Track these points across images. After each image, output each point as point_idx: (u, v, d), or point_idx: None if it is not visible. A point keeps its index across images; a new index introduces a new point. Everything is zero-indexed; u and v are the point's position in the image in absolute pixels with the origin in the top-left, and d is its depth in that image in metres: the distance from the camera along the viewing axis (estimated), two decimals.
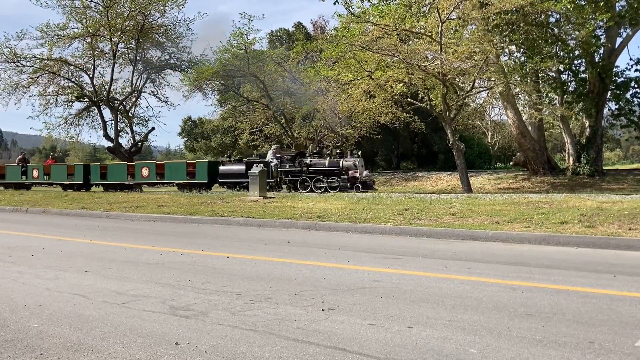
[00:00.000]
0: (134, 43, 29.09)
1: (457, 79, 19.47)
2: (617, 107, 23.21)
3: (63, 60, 28.69)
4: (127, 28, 28.33)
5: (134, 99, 31.12)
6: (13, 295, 4.88)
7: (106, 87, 29.76)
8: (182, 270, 6.09)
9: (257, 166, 17.99)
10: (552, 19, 20.17)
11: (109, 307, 4.41)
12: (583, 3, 18.20)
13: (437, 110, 19.40)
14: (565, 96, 23.04)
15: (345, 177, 17.23)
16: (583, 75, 22.20)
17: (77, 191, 22.10)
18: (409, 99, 21.58)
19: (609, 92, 22.35)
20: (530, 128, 23.61)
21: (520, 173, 24.72)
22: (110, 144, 30.29)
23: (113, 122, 29.98)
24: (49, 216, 14.97)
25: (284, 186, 18.39)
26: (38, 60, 28.30)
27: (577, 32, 18.73)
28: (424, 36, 17.89)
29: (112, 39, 28.25)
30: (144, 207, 14.69)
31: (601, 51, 21.53)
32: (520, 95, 23.90)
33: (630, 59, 68.85)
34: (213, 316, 4.10)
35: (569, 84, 23.07)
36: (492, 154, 38.61)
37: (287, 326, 3.81)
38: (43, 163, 27.31)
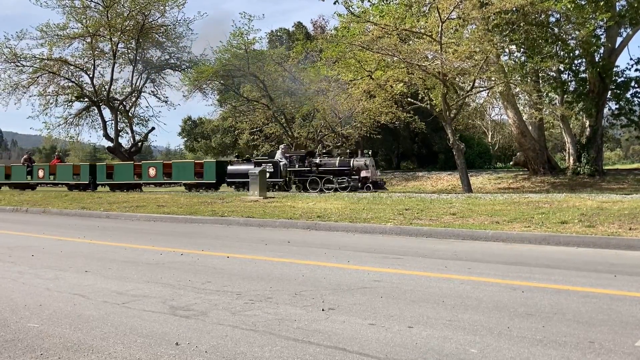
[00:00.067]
0: (134, 43, 29.10)
1: (457, 79, 19.48)
2: (617, 106, 23.24)
3: (63, 60, 28.70)
4: (127, 28, 28.33)
5: (134, 99, 31.15)
6: (13, 295, 4.88)
7: (106, 87, 29.77)
8: (182, 270, 6.09)
9: (266, 165, 17.95)
10: (552, 19, 20.19)
11: (109, 307, 4.41)
12: (583, 3, 18.20)
13: (437, 110, 19.40)
14: (565, 96, 23.05)
15: (356, 177, 17.08)
16: (583, 75, 22.22)
17: (83, 191, 21.90)
18: (409, 99, 21.59)
19: (609, 92, 22.36)
20: (530, 128, 23.61)
21: (521, 173, 24.72)
22: (110, 144, 30.30)
23: (113, 122, 30.00)
24: (49, 216, 14.97)
25: (293, 186, 18.24)
26: (38, 60, 28.32)
27: (577, 32, 18.73)
28: (424, 36, 17.89)
29: (112, 39, 28.25)
30: (144, 207, 14.69)
31: (601, 51, 21.54)
32: (520, 95, 23.90)
33: (631, 59, 69.05)
34: (213, 316, 4.10)
35: (569, 83, 23.09)
36: (492, 153, 38.62)
37: (287, 326, 3.81)
38: (48, 163, 27.07)
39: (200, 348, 3.37)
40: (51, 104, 29.85)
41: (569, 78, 23.01)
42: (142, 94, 31.56)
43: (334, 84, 23.65)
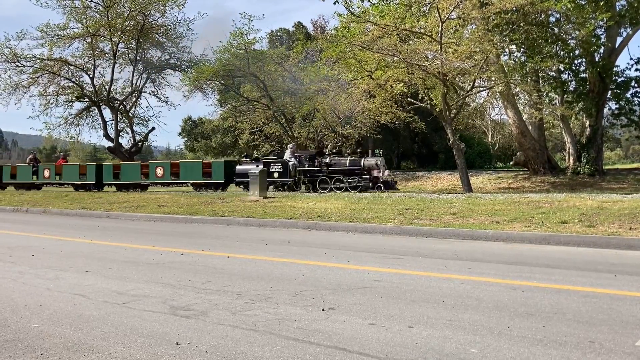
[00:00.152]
0: (134, 43, 29.10)
1: (457, 79, 19.48)
2: (617, 106, 23.24)
3: (63, 60, 28.70)
4: (128, 28, 28.33)
5: (134, 99, 31.16)
6: (14, 295, 4.88)
7: (106, 87, 29.78)
8: (183, 270, 6.09)
9: (275, 165, 17.87)
10: (552, 19, 20.19)
11: (110, 307, 4.41)
12: (583, 2, 18.20)
13: (437, 109, 19.40)
14: (565, 96, 23.05)
15: (367, 176, 16.95)
16: (583, 75, 22.22)
17: (90, 191, 21.76)
18: (409, 99, 21.58)
19: (609, 92, 22.37)
20: (530, 128, 23.61)
21: (521, 173, 24.72)
22: (111, 144, 30.31)
23: (113, 122, 30.01)
24: (50, 216, 14.97)
25: (303, 186, 18.11)
26: (38, 61, 28.33)
27: (577, 32, 18.74)
28: (424, 36, 17.89)
29: (112, 39, 28.25)
30: (144, 207, 14.69)
31: (601, 51, 21.54)
32: (520, 95, 23.90)
33: (631, 59, 69.07)
34: (213, 316, 4.10)
35: (569, 83, 23.09)
36: (492, 153, 38.63)
37: (287, 326, 3.81)
38: (52, 163, 26.90)
39: (200, 348, 3.37)
40: (51, 104, 29.90)
41: (569, 78, 23.02)
42: (143, 94, 31.62)
43: (334, 84, 23.66)
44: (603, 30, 20.95)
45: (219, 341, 3.50)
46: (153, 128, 32.31)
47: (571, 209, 9.84)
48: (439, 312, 4.14)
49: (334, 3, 18.89)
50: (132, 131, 31.41)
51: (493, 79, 18.73)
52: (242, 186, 18.92)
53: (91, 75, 29.37)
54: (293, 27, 42.03)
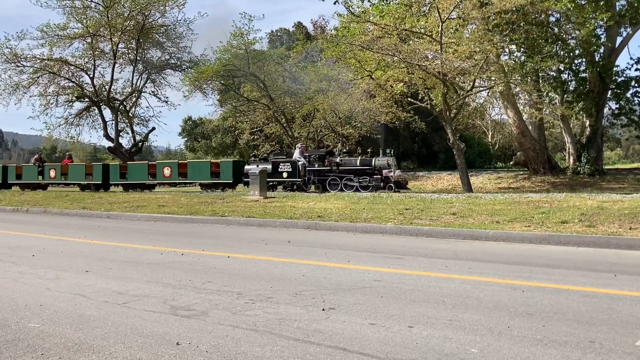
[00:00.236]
0: (134, 43, 29.10)
1: (457, 79, 19.47)
2: (617, 106, 23.24)
3: (63, 60, 28.71)
4: (128, 28, 28.33)
5: (134, 99, 31.16)
6: (14, 295, 4.88)
7: (106, 87, 29.79)
8: (183, 270, 6.09)
9: (284, 165, 17.81)
10: (552, 19, 20.19)
11: (110, 307, 4.41)
12: (583, 2, 18.21)
13: (437, 109, 19.40)
14: (565, 95, 23.05)
15: (378, 176, 16.77)
16: (583, 75, 22.22)
17: (96, 191, 21.65)
18: (409, 99, 21.59)
19: (610, 92, 22.37)
20: (530, 127, 23.61)
21: (521, 172, 24.72)
22: (111, 144, 30.32)
23: (113, 122, 30.01)
24: (50, 216, 14.98)
25: (312, 186, 17.93)
26: (38, 61, 28.34)
27: (577, 32, 18.74)
28: (424, 36, 17.89)
29: (113, 39, 28.25)
30: (144, 207, 14.69)
31: (601, 50, 21.54)
32: (520, 95, 23.89)
33: (631, 58, 69.06)
34: (214, 316, 4.10)
35: (569, 83, 23.10)
36: (492, 153, 38.65)
37: (287, 326, 3.82)
38: (58, 163, 26.73)
39: (200, 348, 3.37)
40: (51, 104, 29.90)
41: (569, 78, 23.03)
42: (143, 94, 31.60)
43: (334, 84, 23.67)
44: (603, 30, 20.97)
45: (219, 341, 3.50)
46: (153, 128, 32.34)
47: (571, 208, 9.84)
48: (439, 312, 4.14)
49: (334, 3, 18.93)
50: (132, 131, 31.44)
51: (493, 78, 18.73)
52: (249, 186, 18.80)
53: (91, 75, 29.40)
54: (293, 27, 42.05)
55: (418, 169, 34.15)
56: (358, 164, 17.33)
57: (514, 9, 16.58)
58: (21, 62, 28.35)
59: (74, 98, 30.31)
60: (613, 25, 20.17)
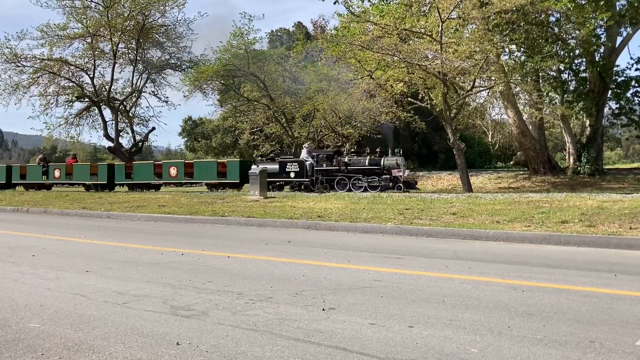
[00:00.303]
0: (134, 43, 29.09)
1: (457, 79, 19.47)
2: (617, 106, 23.24)
3: (63, 60, 28.70)
4: (128, 28, 28.32)
5: (134, 99, 31.15)
6: (14, 295, 4.88)
7: (106, 87, 29.78)
8: (183, 270, 6.10)
9: (292, 165, 17.73)
10: (552, 18, 20.18)
11: (110, 307, 4.41)
12: (583, 2, 18.21)
13: (437, 109, 19.40)
14: (565, 95, 23.05)
15: (387, 176, 16.66)
16: (583, 75, 22.22)
17: (101, 191, 21.58)
18: (409, 99, 21.58)
19: (610, 91, 22.37)
20: (530, 127, 23.61)
21: (521, 172, 24.72)
22: (111, 144, 30.32)
23: (113, 122, 30.00)
24: (50, 216, 14.98)
25: (320, 186, 17.74)
26: (38, 61, 28.32)
27: (577, 31, 18.73)
28: (424, 36, 17.89)
29: (113, 39, 28.24)
30: (144, 207, 14.70)
31: (601, 50, 21.53)
32: (520, 95, 23.90)
33: (631, 58, 69.03)
34: (214, 316, 4.10)
35: (570, 83, 23.09)
36: (492, 153, 38.64)
37: (288, 326, 3.82)
38: (63, 163, 26.57)
39: (201, 348, 3.37)
40: (52, 104, 29.87)
41: (569, 77, 23.03)
42: (143, 94, 31.59)
43: (334, 84, 23.66)
44: (603, 29, 20.96)
45: (219, 341, 3.50)
46: (153, 128, 32.33)
47: (571, 208, 9.84)
48: (439, 312, 4.14)
49: (334, 3, 18.88)
50: (133, 131, 31.42)
51: (493, 78, 18.72)
52: None
53: (91, 75, 29.39)
54: (293, 27, 42.06)
55: (418, 168, 34.14)
56: (367, 163, 17.19)
57: (514, 8, 16.57)
58: (21, 62, 28.35)
59: (74, 98, 30.31)
60: (613, 25, 20.17)
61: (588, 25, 17.79)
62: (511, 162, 28.24)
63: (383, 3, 20.71)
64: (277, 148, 30.59)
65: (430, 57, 17.81)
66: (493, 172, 26.36)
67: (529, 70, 19.45)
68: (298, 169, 17.78)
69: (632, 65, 22.63)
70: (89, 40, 28.60)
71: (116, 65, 29.49)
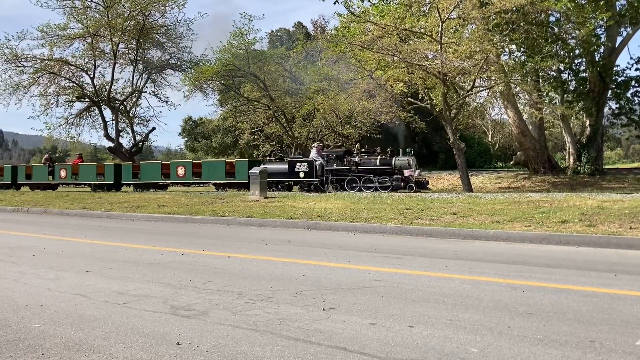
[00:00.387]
0: (134, 43, 29.11)
1: (457, 79, 19.48)
2: (617, 106, 23.25)
3: (63, 60, 28.71)
4: (128, 28, 28.33)
5: (134, 99, 31.18)
6: (14, 296, 4.88)
7: (107, 87, 29.79)
8: (183, 270, 6.10)
9: (301, 165, 17.63)
10: (552, 18, 20.18)
11: (110, 307, 4.42)
12: (583, 2, 18.20)
13: (437, 109, 19.41)
14: (565, 95, 23.05)
15: (399, 176, 16.47)
16: (583, 75, 22.22)
17: (108, 192, 21.47)
18: (409, 99, 21.59)
19: (610, 91, 22.37)
20: (530, 127, 23.61)
21: (521, 172, 24.72)
22: (111, 144, 30.34)
23: (114, 122, 30.03)
24: (50, 216, 14.98)
25: (330, 186, 17.54)
26: (39, 61, 28.34)
27: (577, 31, 18.73)
28: (424, 36, 17.89)
29: (113, 39, 28.26)
30: (144, 207, 14.70)
31: (601, 50, 21.54)
32: (520, 95, 23.90)
33: (631, 58, 69.02)
34: (214, 316, 4.11)
35: (570, 83, 23.09)
36: (492, 153, 38.64)
37: (288, 326, 3.82)
38: (69, 163, 26.42)
39: (201, 348, 3.38)
40: (52, 104, 29.90)
41: (569, 77, 23.03)
42: (143, 94, 31.62)
43: (334, 84, 23.67)
44: (603, 29, 20.96)
45: (219, 341, 3.50)
46: (153, 128, 32.35)
47: (571, 208, 9.84)
48: (439, 312, 4.14)
49: (334, 3, 18.89)
50: (133, 131, 31.45)
51: (493, 78, 18.72)
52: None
53: (91, 76, 29.41)
54: (293, 27, 42.09)
55: (418, 168, 34.14)
56: (378, 163, 16.98)
57: (514, 8, 16.57)
58: (21, 62, 28.37)
59: (74, 98, 30.32)
60: (613, 25, 20.17)
61: (588, 25, 17.79)
62: (511, 162, 28.24)
63: (383, 3, 20.71)
64: (277, 148, 30.57)
65: (430, 57, 17.81)
66: (493, 172, 26.36)
67: (529, 70, 19.45)
68: (307, 169, 17.57)
69: (632, 65, 22.68)
70: (89, 40, 28.61)
71: (116, 66, 29.55)
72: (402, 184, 16.36)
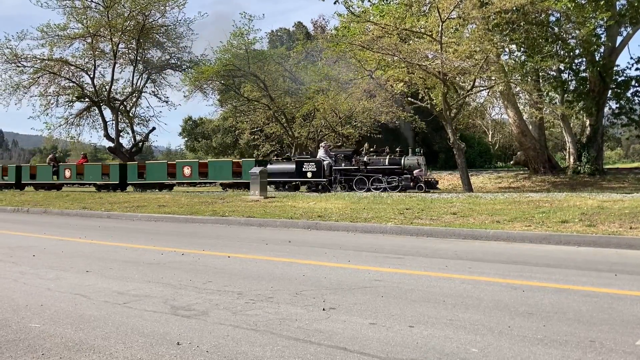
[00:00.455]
0: (134, 43, 29.11)
1: (457, 78, 19.47)
2: (617, 105, 23.25)
3: (64, 60, 28.71)
4: (128, 28, 28.33)
5: (134, 99, 31.17)
6: (15, 296, 4.88)
7: (107, 87, 29.79)
8: (183, 270, 6.10)
9: (308, 165, 17.56)
10: (552, 18, 20.19)
11: (111, 307, 4.42)
12: (583, 2, 18.20)
13: (437, 109, 19.41)
14: (565, 95, 23.05)
15: (408, 176, 16.28)
16: (583, 74, 22.22)
17: (114, 192, 21.39)
18: (409, 99, 21.59)
19: (610, 91, 22.37)
20: (530, 127, 23.61)
21: (521, 172, 24.72)
22: (111, 144, 30.34)
23: (114, 122, 30.02)
24: (50, 216, 14.98)
25: (338, 186, 17.34)
26: (39, 61, 28.34)
27: (577, 31, 18.73)
28: (425, 35, 17.88)
29: (113, 39, 28.25)
30: (144, 207, 14.70)
31: (602, 50, 21.54)
32: (520, 95, 23.90)
33: (631, 58, 68.93)
34: (214, 316, 4.11)
35: (570, 82, 23.09)
36: (492, 153, 38.66)
37: (288, 326, 3.82)
38: (74, 163, 26.31)
39: (201, 348, 3.38)
40: (52, 104, 29.89)
41: (569, 77, 23.03)
42: (143, 94, 31.61)
43: (334, 83, 23.67)
44: (603, 29, 20.96)
45: (219, 341, 3.50)
46: (153, 128, 32.33)
47: (571, 208, 9.84)
48: (439, 312, 4.14)
49: (334, 3, 18.86)
50: (133, 131, 31.44)
51: (493, 78, 18.72)
52: (272, 186, 18.16)
53: (91, 76, 29.40)
54: (293, 27, 42.11)
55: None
56: (387, 163, 16.79)
57: (514, 8, 16.57)
58: (21, 63, 28.37)
59: (74, 98, 30.32)
60: (613, 25, 20.17)
61: (588, 25, 17.78)
62: (511, 162, 28.25)
63: (383, 3, 20.71)
64: (277, 148, 30.58)
65: (430, 57, 17.81)
66: (493, 172, 26.36)
67: (529, 70, 19.45)
68: (315, 169, 17.37)
69: (632, 65, 22.69)
70: (89, 40, 28.61)
71: (116, 66, 29.54)
72: (411, 183, 16.20)
